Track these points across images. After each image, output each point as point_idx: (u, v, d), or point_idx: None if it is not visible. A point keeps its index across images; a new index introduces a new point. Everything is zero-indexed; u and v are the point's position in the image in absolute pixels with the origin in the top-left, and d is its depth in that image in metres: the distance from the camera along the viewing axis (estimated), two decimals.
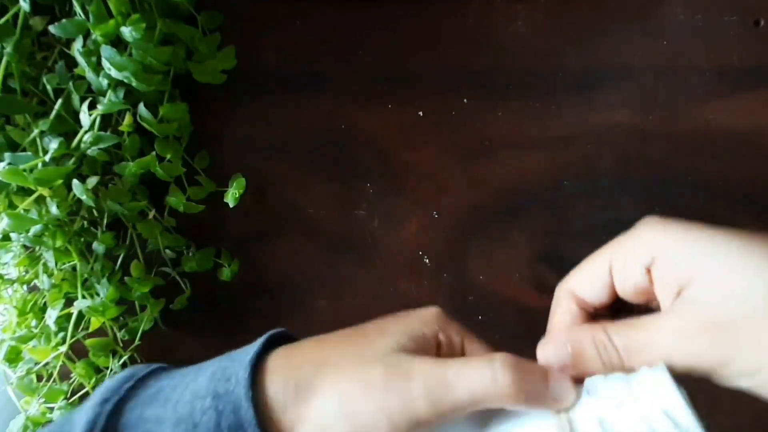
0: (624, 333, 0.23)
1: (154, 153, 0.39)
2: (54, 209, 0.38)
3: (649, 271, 0.24)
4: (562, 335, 0.25)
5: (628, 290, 0.25)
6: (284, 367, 0.23)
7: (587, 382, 0.23)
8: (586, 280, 0.26)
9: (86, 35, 0.37)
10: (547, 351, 0.24)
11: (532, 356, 0.28)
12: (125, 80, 0.35)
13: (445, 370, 0.21)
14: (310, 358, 0.23)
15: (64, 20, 0.36)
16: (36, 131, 0.37)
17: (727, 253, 0.22)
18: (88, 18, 0.35)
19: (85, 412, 0.22)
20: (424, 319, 0.25)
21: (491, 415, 0.24)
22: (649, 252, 0.23)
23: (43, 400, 0.42)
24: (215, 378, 0.22)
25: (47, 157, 0.36)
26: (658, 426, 0.20)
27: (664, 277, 0.23)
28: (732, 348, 0.21)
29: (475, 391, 0.21)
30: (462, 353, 0.26)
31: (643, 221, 0.25)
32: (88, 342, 0.42)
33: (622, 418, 0.21)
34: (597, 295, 0.26)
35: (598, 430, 0.21)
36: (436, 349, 0.25)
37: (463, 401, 0.21)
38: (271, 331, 0.26)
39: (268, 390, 0.22)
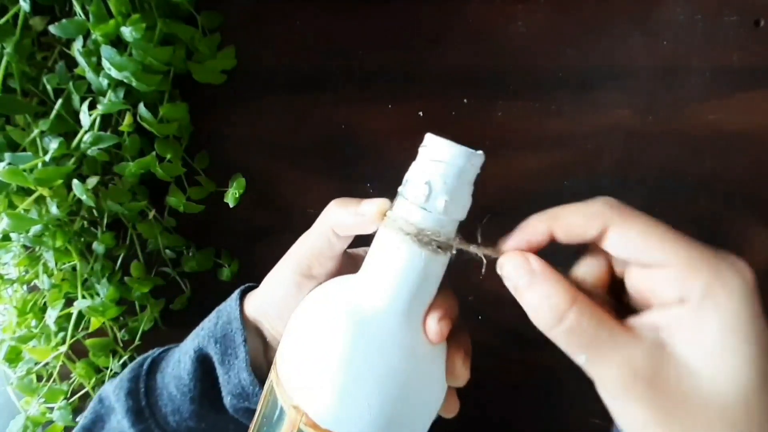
0: (593, 319, 0.21)
1: (154, 153, 0.39)
2: (54, 209, 0.38)
3: (679, 298, 0.20)
4: (547, 277, 0.23)
5: (634, 281, 0.22)
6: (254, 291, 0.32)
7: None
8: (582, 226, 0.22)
9: (86, 35, 0.37)
10: (506, 267, 0.23)
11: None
12: (125, 80, 0.35)
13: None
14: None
15: (64, 20, 0.36)
16: (36, 131, 0.37)
17: (738, 350, 0.19)
18: (88, 18, 0.35)
19: (126, 370, 0.33)
20: None
21: None
22: (692, 284, 0.20)
23: (43, 400, 0.42)
24: (218, 307, 0.33)
25: (47, 157, 0.36)
26: (417, 158, 0.24)
27: (672, 308, 0.20)
28: (657, 413, 0.19)
29: (320, 229, 0.28)
30: None
31: (738, 265, 0.20)
32: (88, 342, 0.42)
33: (414, 180, 0.24)
34: (580, 239, 0.22)
35: (406, 204, 0.24)
36: None
37: (311, 242, 0.28)
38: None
39: (247, 301, 0.32)
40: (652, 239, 0.21)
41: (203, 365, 0.31)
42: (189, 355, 0.31)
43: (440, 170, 0.24)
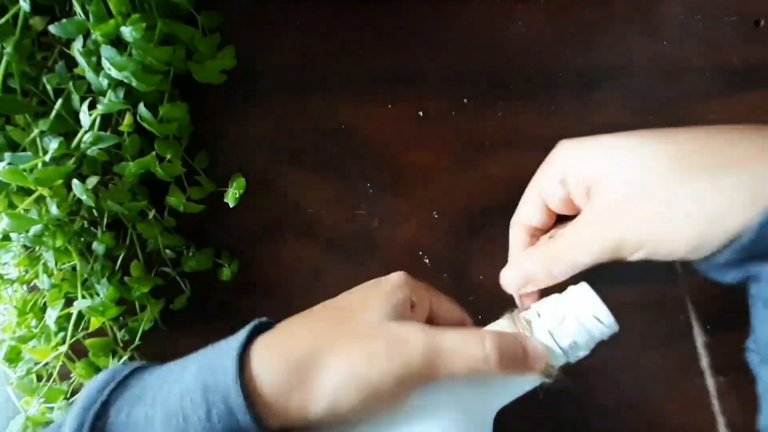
0: (546, 246, 0.28)
1: (154, 153, 0.39)
2: (54, 209, 0.38)
3: (565, 183, 0.27)
4: (514, 263, 0.30)
5: (558, 205, 0.29)
6: (277, 353, 0.24)
7: (534, 307, 0.29)
8: (526, 209, 0.30)
9: (86, 35, 0.37)
10: (506, 278, 0.29)
11: None
12: (125, 80, 0.35)
13: (441, 342, 0.24)
14: (303, 340, 0.24)
15: (64, 20, 0.36)
16: (36, 131, 0.37)
17: (618, 151, 0.26)
18: (88, 18, 0.35)
19: (71, 420, 0.23)
20: (396, 284, 0.28)
21: None
22: (562, 166, 0.27)
23: (43, 400, 0.42)
24: (202, 371, 0.23)
25: (47, 157, 0.36)
26: (586, 322, 0.26)
27: (576, 185, 0.27)
28: (626, 226, 0.24)
29: (469, 366, 0.24)
30: (431, 310, 0.30)
31: (558, 143, 0.29)
32: (88, 342, 0.42)
33: (560, 325, 0.27)
34: (539, 219, 0.30)
35: (550, 340, 0.27)
36: (411, 308, 0.28)
37: (458, 372, 0.24)
38: (255, 321, 0.26)
39: (261, 377, 0.23)
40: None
41: None
42: None
43: (594, 333, 0.27)
